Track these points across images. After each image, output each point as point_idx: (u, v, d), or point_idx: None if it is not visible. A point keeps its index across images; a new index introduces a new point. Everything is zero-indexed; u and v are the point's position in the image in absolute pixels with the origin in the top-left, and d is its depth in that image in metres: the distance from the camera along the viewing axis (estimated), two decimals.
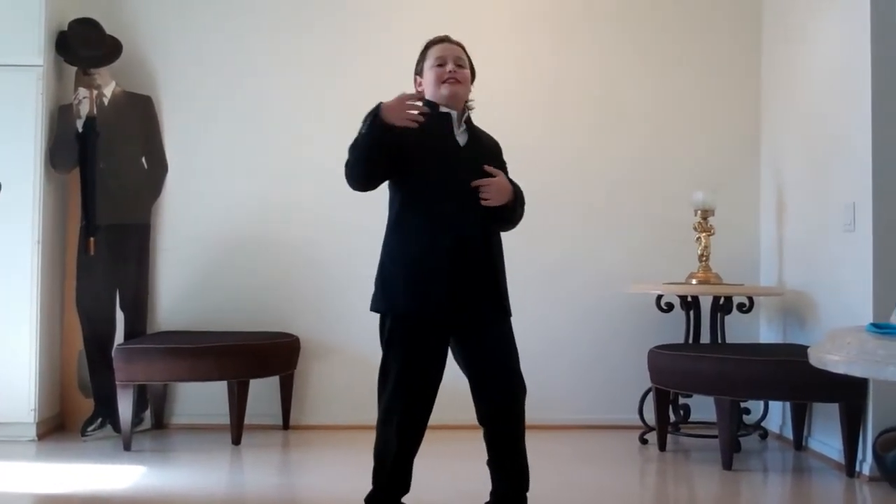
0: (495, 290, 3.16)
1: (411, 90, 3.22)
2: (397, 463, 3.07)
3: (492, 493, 3.17)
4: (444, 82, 3.16)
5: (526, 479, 3.16)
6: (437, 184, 3.09)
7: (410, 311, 3.04)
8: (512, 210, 3.16)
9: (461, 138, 3.17)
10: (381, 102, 2.97)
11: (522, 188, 3.24)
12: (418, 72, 3.28)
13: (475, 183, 3.07)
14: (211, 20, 5.35)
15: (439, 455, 4.32)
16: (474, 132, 3.23)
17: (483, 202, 3.07)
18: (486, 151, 3.22)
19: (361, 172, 3.05)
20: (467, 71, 3.24)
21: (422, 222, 3.07)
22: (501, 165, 3.27)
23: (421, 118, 2.97)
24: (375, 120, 2.95)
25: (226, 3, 5.37)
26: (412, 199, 3.10)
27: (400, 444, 3.05)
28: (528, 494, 3.15)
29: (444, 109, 3.17)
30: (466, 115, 3.21)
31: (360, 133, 3.01)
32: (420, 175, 3.10)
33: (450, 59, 3.19)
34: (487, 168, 3.11)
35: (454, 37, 3.30)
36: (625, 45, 5.42)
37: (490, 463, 3.16)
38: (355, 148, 3.04)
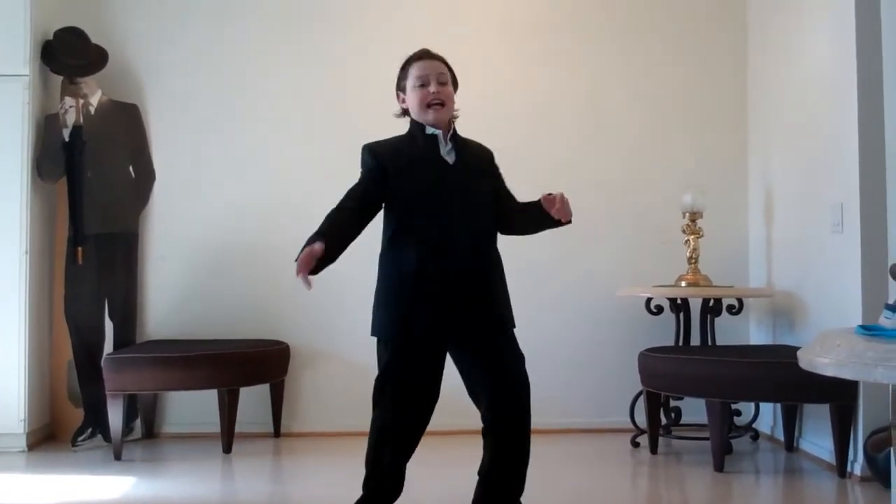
0: (490, 305, 3.14)
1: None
2: (390, 471, 3.07)
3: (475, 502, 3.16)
4: (429, 107, 3.12)
5: (522, 486, 3.16)
6: (426, 209, 3.08)
7: (398, 337, 3.06)
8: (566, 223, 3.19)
9: (449, 157, 3.14)
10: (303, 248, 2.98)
11: (513, 192, 3.27)
12: (401, 88, 3.22)
13: (553, 212, 3.10)
14: (197, 28, 5.34)
15: (436, 460, 4.31)
16: (463, 146, 3.19)
17: (561, 222, 3.15)
18: (477, 165, 3.20)
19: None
20: (450, 88, 3.18)
21: (410, 248, 3.07)
22: (494, 173, 3.27)
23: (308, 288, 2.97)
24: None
25: (212, 11, 5.36)
26: (401, 226, 3.11)
27: (394, 457, 3.05)
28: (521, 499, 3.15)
29: (430, 131, 3.14)
30: (452, 131, 3.17)
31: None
32: (408, 202, 3.10)
33: (432, 79, 3.13)
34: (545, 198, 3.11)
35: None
36: (612, 48, 5.43)
37: (488, 471, 3.13)
38: None
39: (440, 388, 3.10)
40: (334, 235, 3.02)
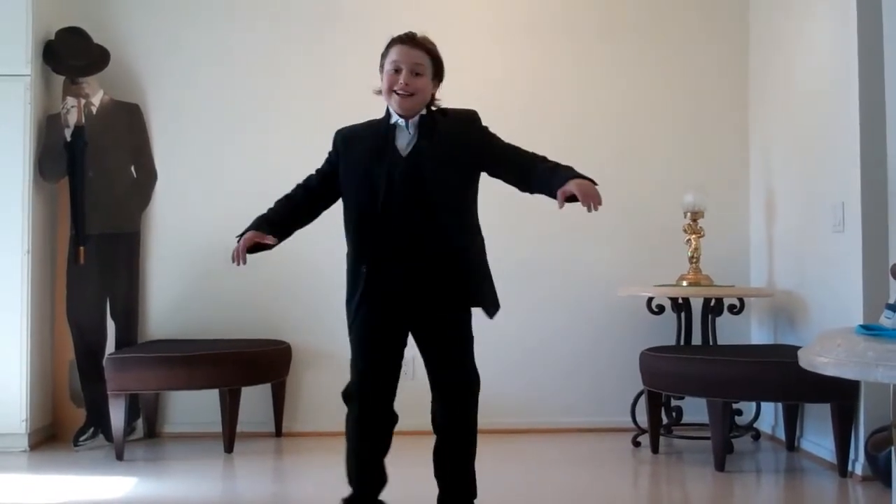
0: (438, 297, 3.14)
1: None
2: (361, 456, 3.19)
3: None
4: (392, 93, 3.10)
5: (471, 490, 3.22)
6: (367, 204, 3.10)
7: (352, 326, 3.26)
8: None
9: (405, 149, 3.11)
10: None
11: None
12: (381, 66, 3.17)
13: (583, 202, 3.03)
14: (199, 28, 5.34)
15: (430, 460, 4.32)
16: (431, 132, 3.13)
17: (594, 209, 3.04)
18: (442, 148, 3.12)
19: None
20: (424, 79, 3.10)
21: (351, 243, 3.19)
22: (474, 135, 3.20)
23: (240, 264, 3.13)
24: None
25: (214, 11, 5.36)
26: (346, 219, 3.20)
27: (358, 437, 3.22)
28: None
29: (393, 120, 3.14)
30: (418, 118, 3.13)
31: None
32: (352, 197, 3.16)
33: (405, 66, 3.08)
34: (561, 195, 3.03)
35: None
36: (612, 46, 5.42)
37: (436, 473, 3.23)
38: None
39: (397, 366, 3.23)
40: (277, 223, 3.18)
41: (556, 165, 3.16)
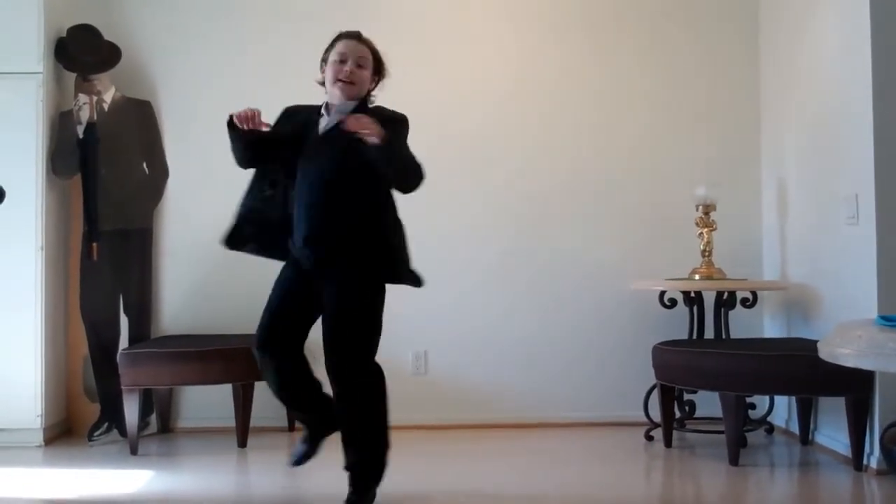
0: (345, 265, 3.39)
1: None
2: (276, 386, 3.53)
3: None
4: (336, 81, 3.36)
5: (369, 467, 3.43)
6: (300, 178, 3.38)
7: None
8: (386, 150, 3.21)
9: (322, 128, 3.39)
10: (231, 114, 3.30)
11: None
12: (324, 59, 3.46)
13: (348, 127, 3.19)
14: (210, 25, 5.35)
15: (454, 453, 4.33)
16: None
17: (366, 140, 3.18)
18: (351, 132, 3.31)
19: (236, 159, 3.48)
20: (366, 72, 3.40)
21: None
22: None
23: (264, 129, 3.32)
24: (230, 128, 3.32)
25: (224, 7, 5.36)
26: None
27: (261, 361, 3.52)
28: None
29: (325, 100, 3.43)
30: (349, 105, 3.37)
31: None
32: (291, 172, 3.41)
33: (351, 58, 3.37)
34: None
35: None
36: (624, 39, 5.41)
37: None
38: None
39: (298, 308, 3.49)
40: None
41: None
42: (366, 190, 3.36)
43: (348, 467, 3.46)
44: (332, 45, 3.46)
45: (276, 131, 3.42)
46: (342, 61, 3.37)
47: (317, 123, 3.43)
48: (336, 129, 3.33)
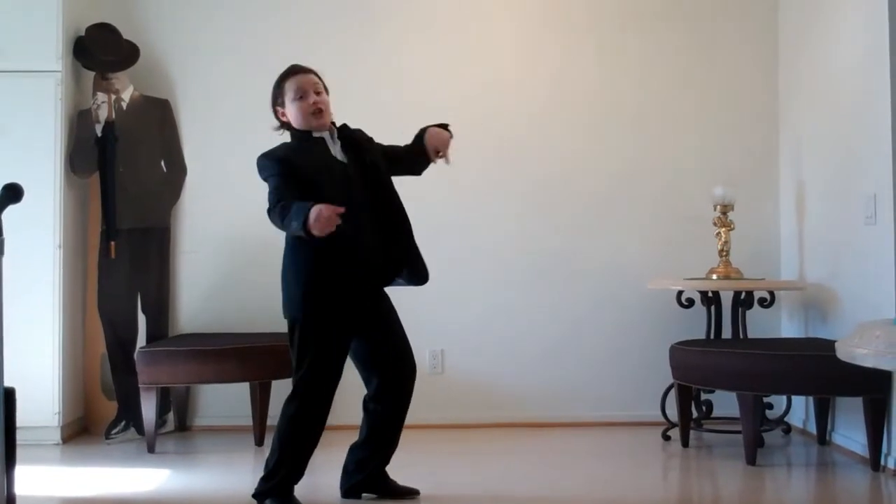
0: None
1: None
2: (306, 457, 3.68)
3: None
4: (313, 114, 3.43)
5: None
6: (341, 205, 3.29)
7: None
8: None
9: (339, 155, 3.46)
10: (308, 214, 3.20)
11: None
12: (279, 104, 3.52)
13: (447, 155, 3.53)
14: (227, 23, 5.36)
15: (465, 451, 4.33)
16: (348, 139, 3.50)
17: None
18: (364, 152, 3.51)
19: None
20: (325, 96, 3.50)
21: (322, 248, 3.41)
22: (377, 148, 3.60)
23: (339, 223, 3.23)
24: (305, 228, 3.23)
25: (242, 5, 5.38)
26: None
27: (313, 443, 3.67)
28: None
29: (316, 134, 3.46)
30: (330, 131, 3.49)
31: (286, 222, 3.32)
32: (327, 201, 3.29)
33: (310, 90, 3.45)
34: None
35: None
36: (639, 37, 5.39)
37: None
38: (279, 223, 3.39)
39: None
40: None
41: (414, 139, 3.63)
42: (399, 204, 3.55)
43: (380, 466, 3.68)
44: (280, 89, 3.53)
45: (291, 183, 3.44)
46: (302, 97, 3.45)
47: (319, 153, 3.49)
48: (349, 151, 3.49)
